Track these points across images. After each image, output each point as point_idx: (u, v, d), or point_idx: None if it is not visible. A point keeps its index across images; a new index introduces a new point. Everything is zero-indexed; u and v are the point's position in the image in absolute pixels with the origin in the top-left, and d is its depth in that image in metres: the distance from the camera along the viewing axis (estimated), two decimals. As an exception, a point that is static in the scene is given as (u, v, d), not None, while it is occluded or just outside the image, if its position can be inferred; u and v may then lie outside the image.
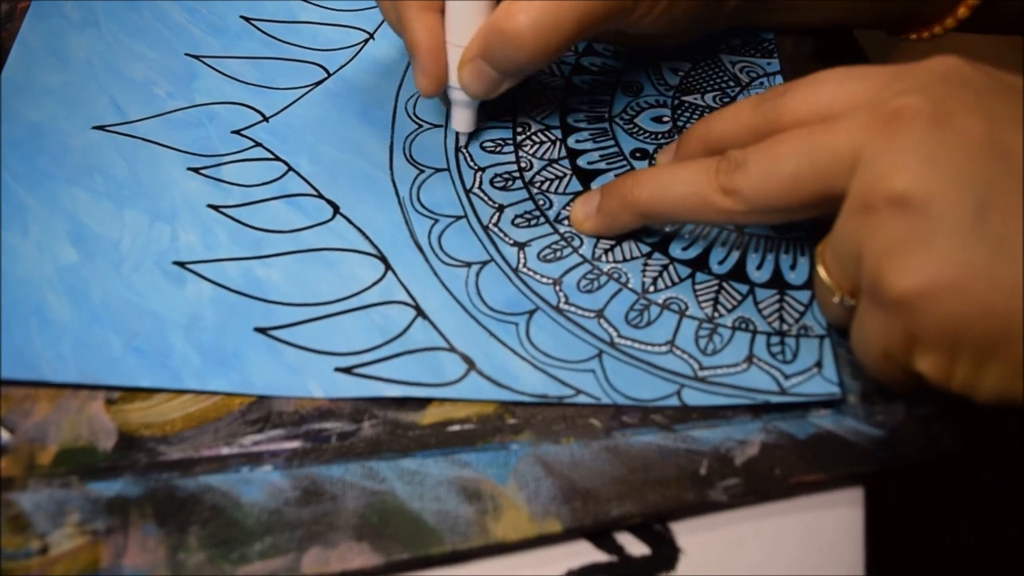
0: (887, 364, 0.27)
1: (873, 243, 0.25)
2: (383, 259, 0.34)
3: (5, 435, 0.30)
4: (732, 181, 0.28)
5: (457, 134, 0.37)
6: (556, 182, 0.36)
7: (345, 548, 0.28)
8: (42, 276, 0.34)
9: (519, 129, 0.38)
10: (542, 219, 0.35)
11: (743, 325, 0.32)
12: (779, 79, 0.39)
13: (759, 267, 0.33)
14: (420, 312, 0.33)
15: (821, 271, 0.28)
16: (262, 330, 0.32)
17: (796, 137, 0.27)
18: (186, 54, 0.41)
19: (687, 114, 0.38)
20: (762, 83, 0.39)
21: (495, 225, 0.35)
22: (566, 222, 0.35)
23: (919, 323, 0.25)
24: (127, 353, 0.32)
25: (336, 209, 0.36)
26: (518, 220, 0.35)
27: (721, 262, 0.34)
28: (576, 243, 0.34)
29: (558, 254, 0.34)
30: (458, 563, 0.28)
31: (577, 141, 0.37)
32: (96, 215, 0.36)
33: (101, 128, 0.39)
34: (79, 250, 0.35)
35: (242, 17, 0.43)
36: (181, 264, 0.34)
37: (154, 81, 0.40)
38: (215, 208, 0.36)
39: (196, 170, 0.37)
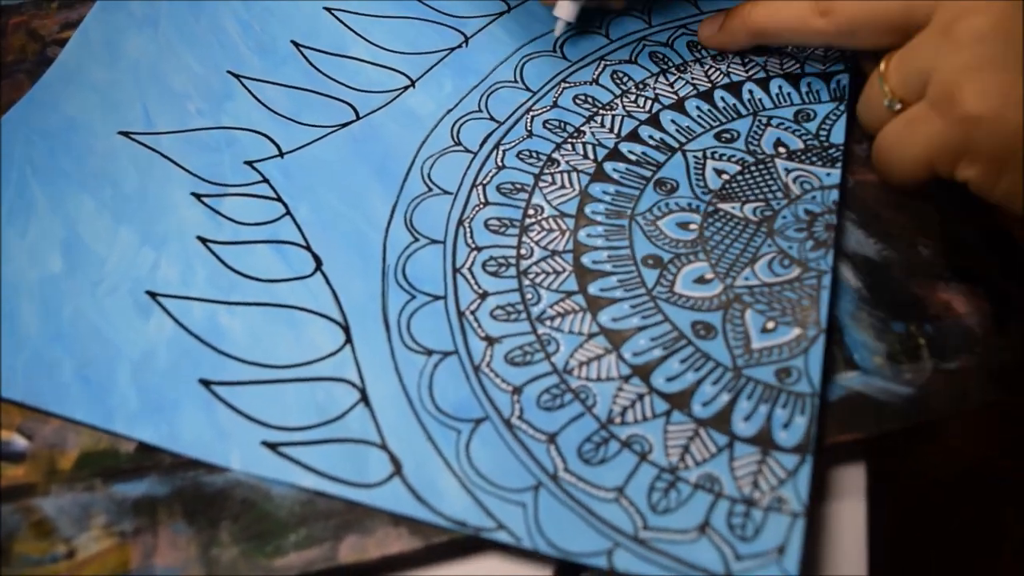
0: (923, 169, 0.31)
1: (950, 62, 0.30)
2: (346, 330, 0.32)
3: (23, 442, 0.30)
4: (829, 2, 0.34)
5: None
6: (552, 277, 0.33)
7: (383, 534, 0.28)
8: (24, 283, 0.34)
9: (531, 212, 0.35)
10: (523, 315, 0.32)
11: (707, 484, 0.28)
12: (834, 194, 0.34)
13: (747, 418, 0.30)
14: (364, 398, 0.31)
15: (883, 66, 0.32)
16: (207, 383, 0.31)
17: None
18: (228, 71, 0.41)
19: (718, 224, 0.34)
20: (814, 197, 0.35)
21: (472, 313, 0.32)
22: (548, 322, 0.32)
23: (979, 137, 0.29)
24: (74, 380, 0.32)
25: (319, 265, 0.34)
26: (497, 311, 0.32)
27: (706, 404, 0.30)
28: (551, 348, 0.31)
29: (528, 358, 0.31)
30: (457, 560, 0.28)
31: (588, 235, 0.34)
32: (93, 228, 0.36)
33: (126, 134, 0.39)
34: (66, 261, 0.35)
35: (292, 42, 0.42)
36: (152, 295, 0.33)
37: (189, 95, 0.40)
38: (203, 241, 0.35)
39: (199, 196, 0.36)
